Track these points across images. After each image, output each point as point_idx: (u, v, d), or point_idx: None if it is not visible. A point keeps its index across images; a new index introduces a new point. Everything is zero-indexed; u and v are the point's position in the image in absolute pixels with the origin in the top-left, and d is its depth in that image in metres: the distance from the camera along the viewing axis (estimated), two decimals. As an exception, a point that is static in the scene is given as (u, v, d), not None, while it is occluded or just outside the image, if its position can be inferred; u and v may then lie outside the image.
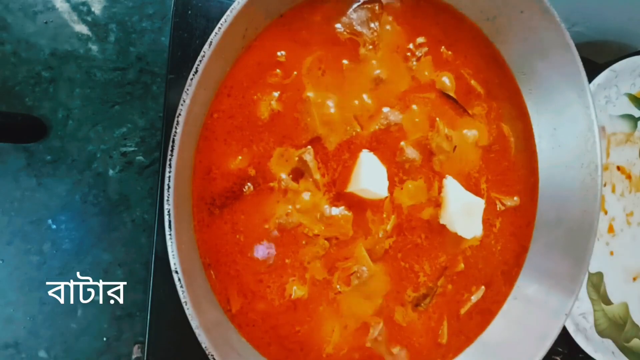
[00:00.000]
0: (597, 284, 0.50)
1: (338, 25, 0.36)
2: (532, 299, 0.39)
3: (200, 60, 0.29)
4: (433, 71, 0.38)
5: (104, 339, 0.88)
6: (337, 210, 0.35)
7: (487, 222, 0.40)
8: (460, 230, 0.37)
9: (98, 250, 0.89)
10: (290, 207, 0.34)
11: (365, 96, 0.36)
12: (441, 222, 0.38)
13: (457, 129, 0.39)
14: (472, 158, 0.40)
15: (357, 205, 0.36)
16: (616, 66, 0.50)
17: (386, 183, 0.35)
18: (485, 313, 0.40)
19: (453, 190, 0.38)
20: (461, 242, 0.39)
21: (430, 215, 0.38)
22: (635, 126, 0.53)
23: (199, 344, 0.28)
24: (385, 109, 0.37)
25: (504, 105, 0.41)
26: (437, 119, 0.38)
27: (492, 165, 0.41)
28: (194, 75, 0.28)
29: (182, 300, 0.28)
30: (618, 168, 0.53)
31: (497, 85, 0.41)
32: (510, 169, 0.41)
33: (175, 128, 0.28)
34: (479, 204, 0.38)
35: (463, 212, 0.37)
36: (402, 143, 0.37)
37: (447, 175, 0.38)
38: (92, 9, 0.92)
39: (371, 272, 0.36)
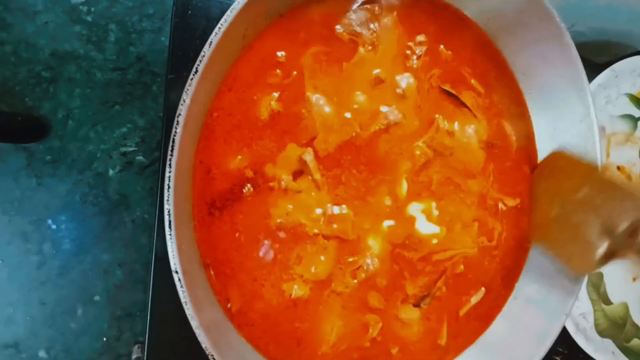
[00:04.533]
0: (597, 284, 0.50)
1: (338, 26, 0.36)
2: (532, 299, 0.39)
3: (200, 60, 0.29)
4: (433, 70, 0.38)
5: (104, 339, 0.88)
6: (337, 210, 0.35)
7: (487, 223, 0.40)
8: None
9: (98, 250, 0.89)
10: (290, 206, 0.34)
11: (365, 96, 0.36)
12: None
13: (458, 128, 0.39)
14: (473, 158, 0.40)
15: (358, 205, 0.36)
16: (616, 66, 0.50)
17: None
18: (485, 314, 0.40)
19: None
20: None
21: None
22: (635, 126, 0.53)
23: (199, 344, 0.28)
24: (385, 109, 0.37)
25: (504, 104, 0.41)
26: (439, 117, 0.38)
27: (493, 165, 0.40)
28: (194, 75, 0.28)
29: (182, 300, 0.28)
30: (618, 168, 0.53)
31: (497, 85, 0.41)
32: (512, 169, 0.41)
33: (175, 128, 0.28)
34: None
35: None
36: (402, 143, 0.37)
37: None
38: (92, 9, 0.92)
39: (375, 268, 0.36)
